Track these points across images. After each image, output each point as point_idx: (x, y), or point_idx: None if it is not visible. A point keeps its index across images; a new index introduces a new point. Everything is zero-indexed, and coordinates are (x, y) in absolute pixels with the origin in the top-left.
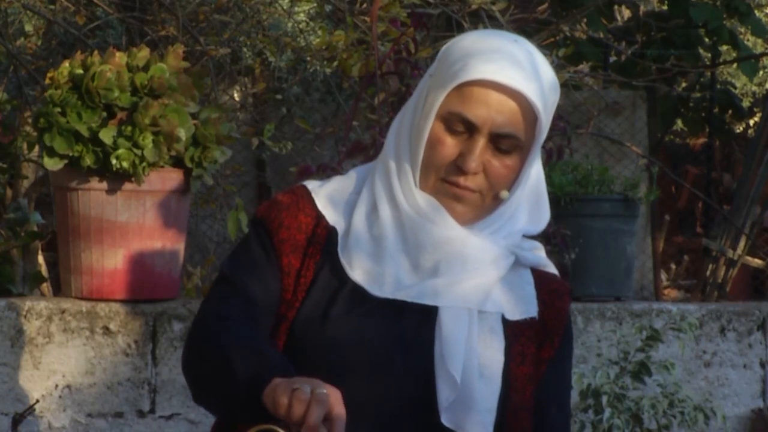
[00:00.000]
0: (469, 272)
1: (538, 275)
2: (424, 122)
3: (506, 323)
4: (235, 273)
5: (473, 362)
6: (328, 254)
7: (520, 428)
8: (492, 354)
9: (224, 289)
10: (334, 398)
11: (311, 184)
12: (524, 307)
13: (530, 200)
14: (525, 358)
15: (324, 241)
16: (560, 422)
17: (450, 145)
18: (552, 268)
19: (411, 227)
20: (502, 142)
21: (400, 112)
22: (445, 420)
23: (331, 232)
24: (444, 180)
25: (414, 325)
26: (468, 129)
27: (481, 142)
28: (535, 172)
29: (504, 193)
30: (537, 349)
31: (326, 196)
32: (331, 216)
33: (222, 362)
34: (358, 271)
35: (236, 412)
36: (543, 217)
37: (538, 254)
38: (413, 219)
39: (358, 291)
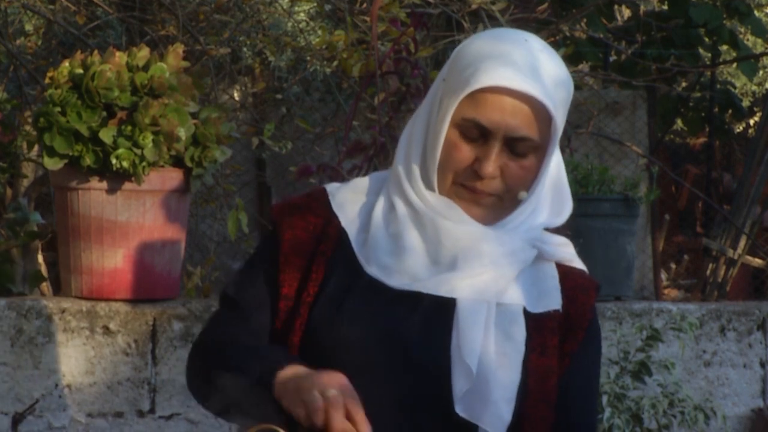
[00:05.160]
0: (487, 266)
1: (564, 270)
2: (439, 127)
3: (528, 316)
4: (235, 291)
5: (490, 353)
6: (342, 252)
7: (539, 419)
8: (511, 345)
9: (222, 310)
10: (343, 389)
11: (330, 187)
12: (547, 300)
13: (551, 193)
14: (546, 350)
15: (336, 240)
16: (584, 417)
17: (465, 150)
18: (579, 264)
19: (429, 224)
20: (517, 146)
21: (411, 119)
22: (459, 410)
23: (343, 232)
24: (462, 185)
25: (431, 317)
26: (482, 134)
27: (496, 146)
28: (555, 164)
29: (522, 194)
30: (560, 342)
31: (342, 198)
32: (345, 217)
33: (225, 374)
34: (374, 266)
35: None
36: (565, 209)
37: (564, 250)
38: (430, 216)
39: (374, 284)
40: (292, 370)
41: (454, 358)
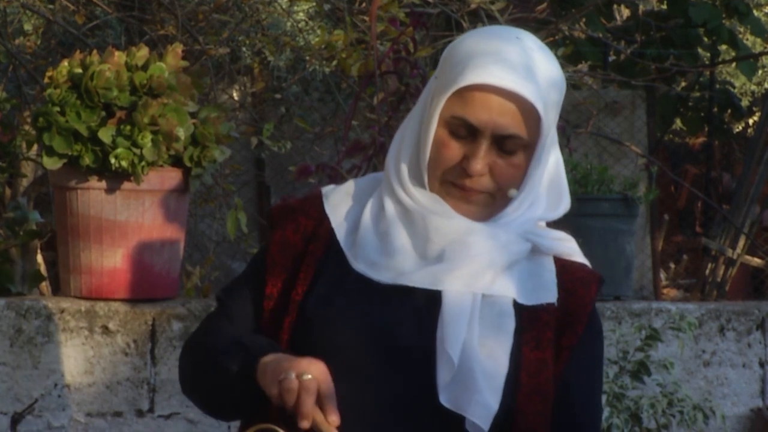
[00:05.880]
0: (474, 257)
1: (563, 264)
2: (429, 125)
3: (522, 309)
4: (225, 292)
5: (474, 344)
6: (331, 251)
7: (533, 412)
8: (499, 336)
9: (214, 312)
10: (321, 377)
11: (326, 189)
12: (541, 293)
13: (549, 188)
14: (540, 343)
15: (326, 240)
16: (586, 411)
17: (454, 148)
18: (580, 258)
19: (418, 220)
20: (505, 144)
21: (405, 119)
22: (443, 400)
23: (334, 232)
24: (451, 183)
25: (420, 311)
26: (471, 132)
27: (484, 144)
28: (554, 160)
29: (512, 192)
30: (557, 335)
31: (335, 199)
32: (336, 218)
33: (212, 368)
34: (361, 263)
35: (245, 406)
36: (561, 204)
37: (564, 244)
38: (418, 212)
39: (362, 280)
40: (274, 355)
41: (438, 349)
